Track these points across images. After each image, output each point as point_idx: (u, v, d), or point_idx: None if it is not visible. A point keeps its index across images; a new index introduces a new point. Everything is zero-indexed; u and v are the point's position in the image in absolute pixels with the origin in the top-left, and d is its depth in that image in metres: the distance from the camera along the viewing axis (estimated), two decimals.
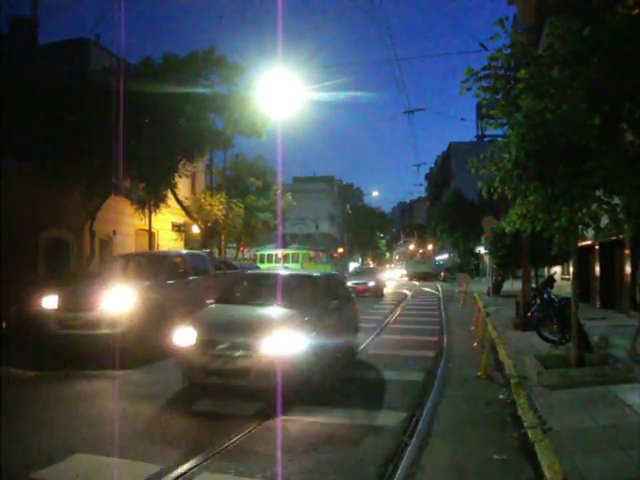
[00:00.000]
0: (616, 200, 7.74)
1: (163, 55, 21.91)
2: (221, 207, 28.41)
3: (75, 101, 19.76)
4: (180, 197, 27.14)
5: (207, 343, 7.95)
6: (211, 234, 29.32)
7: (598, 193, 7.72)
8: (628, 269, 15.68)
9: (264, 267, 36.98)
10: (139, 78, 19.52)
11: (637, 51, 6.91)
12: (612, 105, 7.22)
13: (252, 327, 8.03)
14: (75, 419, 7.18)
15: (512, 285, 30.46)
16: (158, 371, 10.10)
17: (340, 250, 76.15)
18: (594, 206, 7.72)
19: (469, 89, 8.29)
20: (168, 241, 30.13)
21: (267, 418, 7.18)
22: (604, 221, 7.87)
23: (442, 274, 56.26)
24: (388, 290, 37.72)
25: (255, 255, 45.91)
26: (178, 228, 30.68)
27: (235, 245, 39.92)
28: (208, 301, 11.25)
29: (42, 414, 7.45)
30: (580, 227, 8.01)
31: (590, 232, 8.30)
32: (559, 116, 7.33)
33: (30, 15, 25.17)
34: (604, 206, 7.71)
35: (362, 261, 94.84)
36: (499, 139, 9.14)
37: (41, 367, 10.39)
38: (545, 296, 12.42)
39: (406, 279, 60.78)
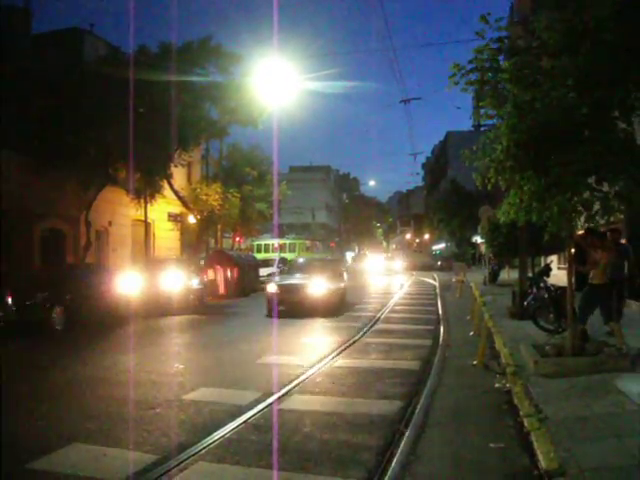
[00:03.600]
0: (607, 187, 7.74)
1: (159, 44, 21.89)
2: (217, 197, 28.37)
3: (70, 91, 19.67)
4: (176, 187, 27.10)
5: None
6: (207, 224, 29.26)
7: (590, 180, 7.71)
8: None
9: (261, 257, 37.05)
10: (134, 67, 19.42)
11: (624, 38, 6.87)
12: (603, 92, 7.19)
13: None
14: None
15: (508, 274, 30.51)
16: None
17: (335, 240, 76.15)
18: (586, 193, 7.72)
19: (457, 83, 8.28)
20: (164, 231, 30.10)
21: (263, 407, 7.19)
22: (596, 208, 7.88)
23: (439, 263, 56.35)
24: None
25: (252, 245, 45.94)
26: (174, 218, 30.66)
27: (231, 235, 39.88)
28: None
29: None
30: (573, 215, 8.00)
31: (583, 220, 8.30)
32: (548, 105, 7.31)
33: (23, 4, 25.00)
34: (596, 193, 7.72)
35: (358, 250, 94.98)
36: (492, 130, 9.10)
37: None
38: (541, 285, 12.43)
39: (403, 269, 56.69)
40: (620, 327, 9.14)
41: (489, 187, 8.64)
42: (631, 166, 7.15)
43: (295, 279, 19.03)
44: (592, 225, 8.33)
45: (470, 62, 8.08)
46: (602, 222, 8.14)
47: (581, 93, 7.07)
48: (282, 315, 17.18)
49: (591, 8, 7.03)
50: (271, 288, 18.52)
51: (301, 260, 25.74)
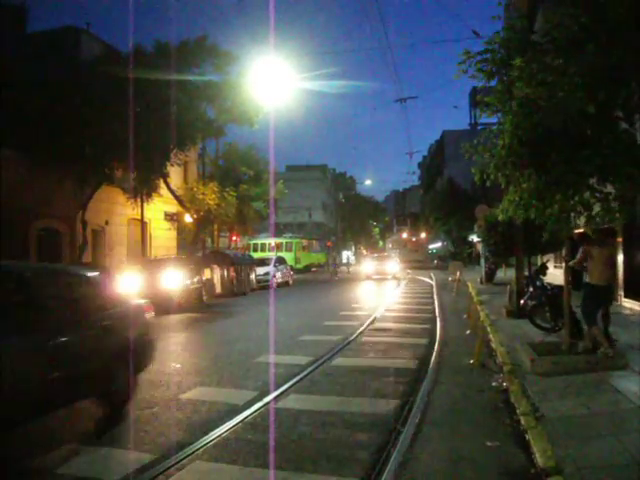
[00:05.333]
0: (608, 188, 7.74)
1: (154, 43, 21.81)
2: (214, 196, 28.32)
3: (65, 90, 19.62)
4: (172, 186, 27.02)
5: None
6: (204, 223, 29.21)
7: (591, 181, 7.71)
8: (620, 257, 15.72)
9: (257, 256, 37.04)
10: (130, 66, 19.38)
11: (634, 37, 6.87)
12: (608, 93, 7.19)
13: None
14: None
15: (505, 273, 30.51)
16: None
17: (332, 239, 76.21)
18: (587, 194, 7.72)
19: (465, 71, 8.24)
20: (161, 231, 30.06)
21: (260, 407, 7.19)
22: (596, 209, 7.88)
23: (435, 262, 56.44)
24: None
25: (248, 244, 45.92)
26: (171, 217, 30.60)
27: (227, 234, 39.85)
28: None
29: None
30: (572, 215, 8.01)
31: (583, 220, 8.31)
32: (554, 104, 7.30)
33: (19, 3, 24.93)
34: (597, 194, 7.72)
35: (355, 250, 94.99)
36: (493, 127, 9.08)
37: None
38: (538, 284, 12.45)
39: (401, 270, 47.19)
40: (601, 331, 8.92)
41: (488, 183, 8.63)
42: (633, 168, 7.16)
43: None
44: (592, 226, 8.30)
45: (480, 53, 8.07)
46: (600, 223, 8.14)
47: (588, 92, 7.06)
48: None
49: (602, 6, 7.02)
50: None
51: None
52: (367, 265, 42.45)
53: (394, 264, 43.06)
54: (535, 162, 7.68)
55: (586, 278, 9.22)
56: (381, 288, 29.99)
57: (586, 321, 8.95)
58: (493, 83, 8.38)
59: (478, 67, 8.17)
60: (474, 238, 41.92)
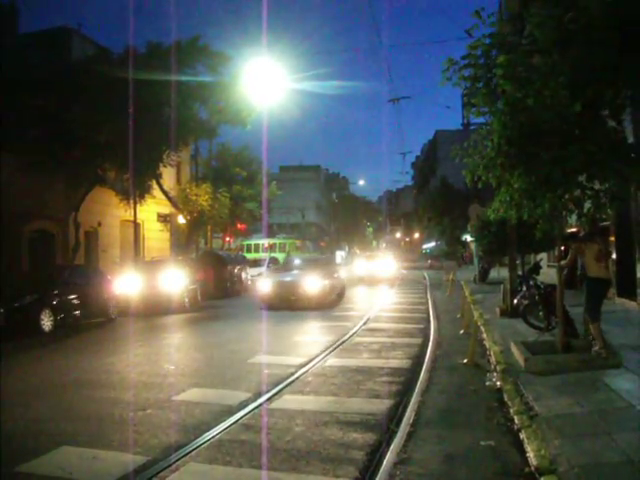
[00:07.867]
0: (598, 185, 7.77)
1: (146, 44, 21.74)
2: (207, 197, 28.29)
3: (57, 90, 19.57)
4: (165, 187, 26.98)
5: None
6: (197, 224, 29.17)
7: (580, 178, 7.73)
8: (613, 256, 15.76)
9: (251, 257, 36.96)
10: (122, 67, 19.33)
11: (614, 37, 6.89)
12: (593, 92, 7.21)
13: None
14: None
15: (498, 273, 30.57)
16: None
17: (325, 239, 76.23)
18: (577, 192, 7.74)
19: (449, 79, 8.25)
20: (154, 232, 29.99)
21: (254, 407, 7.17)
22: (587, 206, 7.90)
23: (429, 262, 56.56)
24: None
25: (242, 245, 45.87)
26: (164, 219, 30.55)
27: (221, 235, 39.79)
28: None
29: None
30: (564, 213, 8.02)
31: (574, 218, 8.32)
32: (540, 102, 7.32)
33: (10, 3, 24.84)
34: (587, 191, 7.74)
35: (349, 250, 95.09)
36: (484, 127, 9.09)
37: None
38: (531, 283, 12.46)
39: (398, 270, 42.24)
40: (600, 329, 8.94)
41: (479, 184, 8.63)
42: (620, 164, 7.18)
43: None
44: (584, 224, 8.31)
45: (463, 58, 8.07)
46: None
47: (573, 91, 7.07)
48: None
49: (583, 6, 7.03)
50: None
51: None
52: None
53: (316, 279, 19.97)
54: (524, 162, 7.69)
55: (587, 273, 9.11)
56: (378, 285, 29.96)
57: (590, 317, 8.86)
58: (480, 85, 8.37)
59: (461, 75, 8.17)
60: (468, 238, 42.00)
